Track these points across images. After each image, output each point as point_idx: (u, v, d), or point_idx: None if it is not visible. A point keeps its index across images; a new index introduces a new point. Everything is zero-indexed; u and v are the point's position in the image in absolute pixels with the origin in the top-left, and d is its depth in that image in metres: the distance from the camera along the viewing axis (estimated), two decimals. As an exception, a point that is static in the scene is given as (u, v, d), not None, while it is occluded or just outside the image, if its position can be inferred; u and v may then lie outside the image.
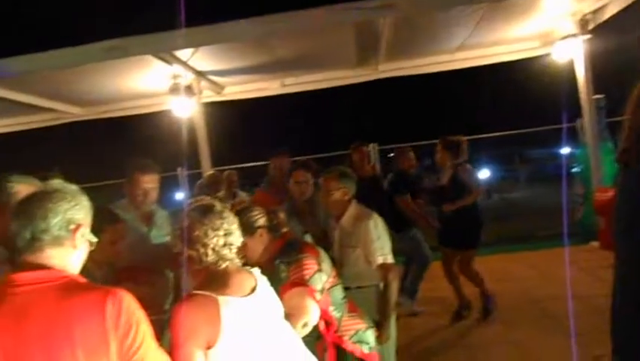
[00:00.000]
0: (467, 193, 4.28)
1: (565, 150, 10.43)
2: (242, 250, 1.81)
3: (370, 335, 2.39)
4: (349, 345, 2.28)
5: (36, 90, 5.43)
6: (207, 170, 5.34)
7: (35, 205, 1.37)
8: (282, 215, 2.35)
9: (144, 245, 2.60)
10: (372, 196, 3.69)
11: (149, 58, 4.64)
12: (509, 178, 18.78)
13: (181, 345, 1.48)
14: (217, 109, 6.10)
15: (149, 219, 2.72)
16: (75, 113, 6.07)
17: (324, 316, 2.19)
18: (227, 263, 1.66)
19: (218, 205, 1.70)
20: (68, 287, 1.33)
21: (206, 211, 1.66)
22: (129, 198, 2.68)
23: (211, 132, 5.69)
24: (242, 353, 1.57)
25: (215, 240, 1.64)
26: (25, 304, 1.28)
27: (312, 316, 2.02)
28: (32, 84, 5.12)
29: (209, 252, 1.63)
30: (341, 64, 6.02)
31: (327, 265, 2.31)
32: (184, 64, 5.02)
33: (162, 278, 2.68)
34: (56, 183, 1.47)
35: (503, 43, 5.75)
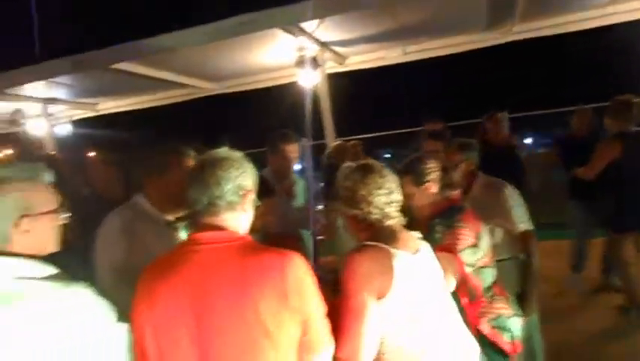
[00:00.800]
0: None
1: None
2: (408, 199, 1.84)
3: (514, 323, 2.23)
4: (486, 328, 2.16)
5: (173, 67, 5.82)
6: (331, 140, 5.38)
7: (208, 173, 1.47)
8: (456, 177, 2.29)
9: (287, 213, 2.68)
10: (508, 166, 3.47)
11: (276, 31, 4.71)
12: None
13: (355, 294, 1.54)
14: (339, 79, 6.08)
15: (290, 187, 2.79)
16: (208, 88, 6.44)
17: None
18: (391, 221, 1.70)
19: (376, 165, 1.74)
20: (246, 247, 1.45)
21: (367, 171, 1.71)
22: (272, 168, 2.77)
23: (334, 103, 5.70)
24: (410, 307, 1.58)
25: (379, 198, 1.67)
26: (208, 259, 1.40)
27: (450, 287, 1.99)
28: (169, 61, 5.49)
29: (374, 210, 1.68)
30: (470, 27, 5.63)
31: (485, 242, 2.20)
32: (309, 35, 5.03)
33: (302, 244, 2.77)
34: (223, 151, 1.56)
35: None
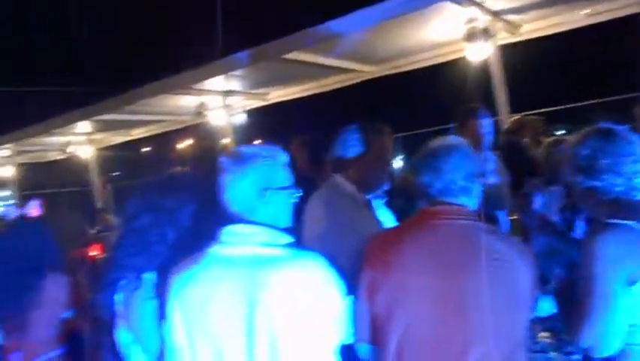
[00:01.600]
0: None
1: None
2: None
3: None
4: None
5: (336, 52, 5.93)
6: (506, 117, 5.05)
7: (442, 161, 1.60)
8: None
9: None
10: None
11: (443, 4, 4.50)
12: None
13: (602, 279, 1.42)
14: (512, 50, 5.65)
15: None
16: (370, 71, 6.48)
17: None
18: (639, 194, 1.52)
19: (618, 129, 1.56)
20: (481, 225, 1.55)
21: (611, 136, 1.53)
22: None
23: (507, 76, 5.32)
24: None
25: (626, 167, 1.49)
26: (451, 232, 1.53)
27: None
28: (333, 47, 5.59)
29: (620, 181, 1.49)
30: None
31: None
32: (479, 5, 4.74)
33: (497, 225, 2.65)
34: (453, 139, 1.70)
35: None
